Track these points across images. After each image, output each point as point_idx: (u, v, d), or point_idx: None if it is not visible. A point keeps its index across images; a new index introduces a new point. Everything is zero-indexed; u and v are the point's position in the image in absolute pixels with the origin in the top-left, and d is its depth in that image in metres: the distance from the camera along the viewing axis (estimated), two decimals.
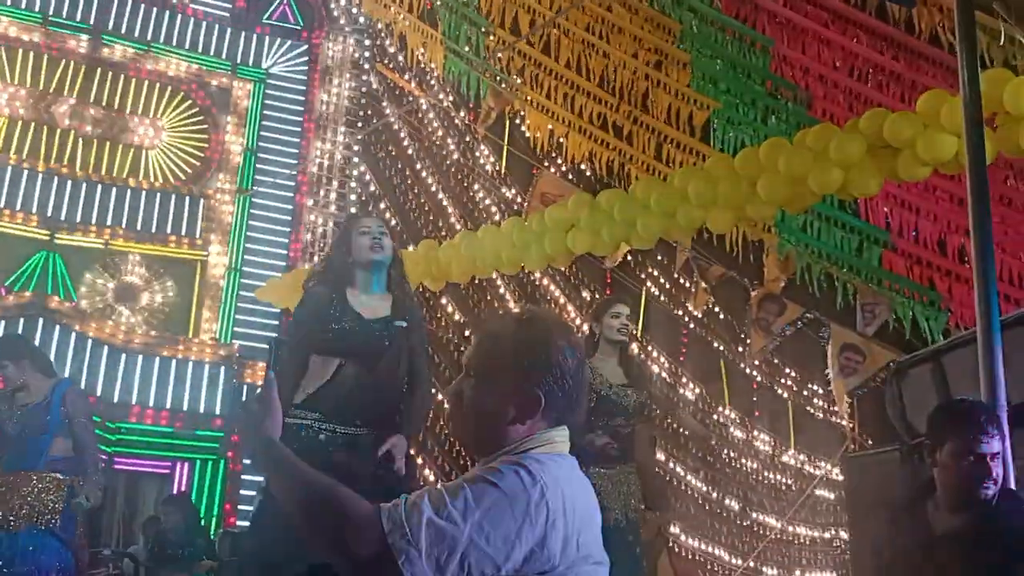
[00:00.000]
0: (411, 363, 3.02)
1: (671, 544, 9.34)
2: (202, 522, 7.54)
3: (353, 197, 10.81)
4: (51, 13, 9.99)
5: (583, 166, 10.34)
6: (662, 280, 11.67)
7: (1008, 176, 7.82)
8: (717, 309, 11.25)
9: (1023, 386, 3.27)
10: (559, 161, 11.02)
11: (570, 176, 11.10)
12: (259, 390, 1.75)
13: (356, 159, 10.94)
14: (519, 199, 11.12)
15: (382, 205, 11.54)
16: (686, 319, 11.77)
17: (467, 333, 11.39)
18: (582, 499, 1.65)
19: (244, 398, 2.15)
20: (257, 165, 10.44)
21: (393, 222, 11.43)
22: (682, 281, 10.80)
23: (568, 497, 1.59)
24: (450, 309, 11.10)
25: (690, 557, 10.25)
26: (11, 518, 3.71)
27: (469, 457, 1.94)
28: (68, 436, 3.89)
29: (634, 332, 3.88)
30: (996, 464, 2.35)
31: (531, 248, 6.22)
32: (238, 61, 10.73)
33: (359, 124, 11.08)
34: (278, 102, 10.81)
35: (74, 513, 3.85)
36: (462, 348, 11.35)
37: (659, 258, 11.37)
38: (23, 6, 9.92)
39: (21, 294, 8.53)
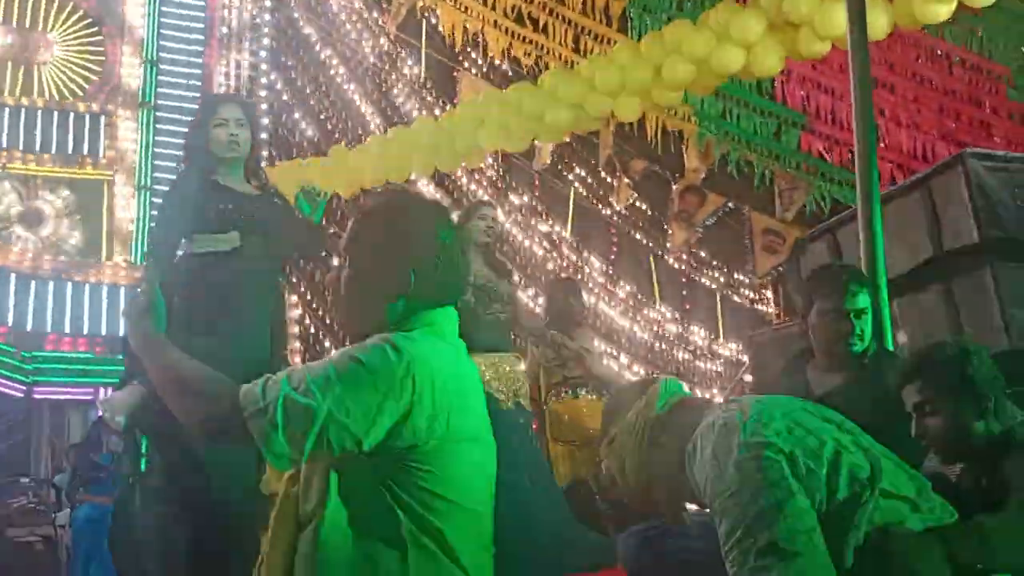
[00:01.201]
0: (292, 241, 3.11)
1: None
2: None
3: (264, 107, 10.40)
4: None
5: (504, 66, 10.09)
6: (589, 180, 11.62)
7: (919, 55, 7.84)
8: (644, 205, 11.29)
9: (913, 253, 3.33)
10: (480, 62, 10.74)
11: (491, 77, 10.84)
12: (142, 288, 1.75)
13: (265, 66, 10.48)
14: (441, 103, 10.85)
15: (296, 115, 11.16)
16: (614, 217, 11.81)
17: None
18: (457, 378, 1.63)
19: (131, 296, 2.20)
20: (159, 77, 9.92)
21: (309, 132, 11.09)
22: (607, 178, 10.76)
23: (439, 374, 1.57)
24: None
25: None
26: None
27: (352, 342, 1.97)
28: None
29: (497, 233, 3.91)
30: (862, 321, 2.39)
31: (442, 148, 6.08)
32: None
33: (266, 29, 10.57)
34: (178, 8, 10.21)
35: None
36: None
37: (585, 157, 11.29)
38: None
39: None
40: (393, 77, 11.17)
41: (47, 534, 5.83)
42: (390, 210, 1.73)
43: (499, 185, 11.69)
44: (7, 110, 9.21)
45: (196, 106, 9.98)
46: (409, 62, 11.09)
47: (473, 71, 10.40)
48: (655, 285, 11.91)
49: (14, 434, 8.50)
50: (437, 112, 10.42)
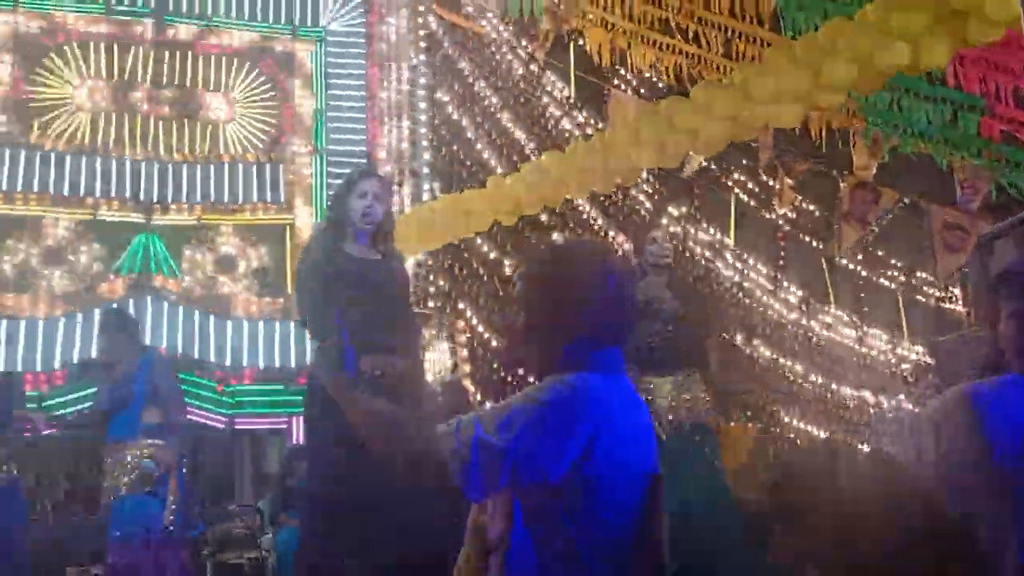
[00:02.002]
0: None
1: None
2: None
3: (425, 143, 10.85)
4: (113, 2, 10.30)
5: (655, 78, 10.04)
6: (750, 184, 11.31)
7: None
8: (810, 206, 10.87)
9: None
10: (628, 77, 10.74)
11: (642, 91, 10.83)
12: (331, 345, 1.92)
13: (423, 104, 10.93)
14: (592, 122, 10.93)
15: (455, 147, 11.55)
16: (780, 221, 11.42)
17: None
18: (629, 415, 1.76)
19: (320, 352, 2.49)
20: (328, 124, 10.58)
21: (468, 163, 11.45)
22: (769, 182, 10.44)
23: (611, 411, 1.71)
24: (534, 241, 11.10)
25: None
26: (118, 487, 4.02)
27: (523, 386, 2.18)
28: (160, 404, 4.16)
29: (681, 251, 3.96)
30: None
31: (596, 169, 6.12)
32: (297, 23, 10.84)
33: (422, 68, 11.04)
34: (340, 58, 10.87)
35: (164, 474, 4.13)
36: None
37: (743, 161, 11.02)
38: None
39: (128, 277, 9.03)
40: (544, 101, 11.36)
41: (255, 556, 6.30)
42: (561, 258, 1.87)
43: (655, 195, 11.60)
44: (198, 167, 10.10)
45: (363, 148, 10.63)
46: (559, 85, 11.25)
47: (622, 87, 10.42)
48: (829, 289, 11.41)
49: (220, 464, 9.26)
50: (589, 132, 10.50)
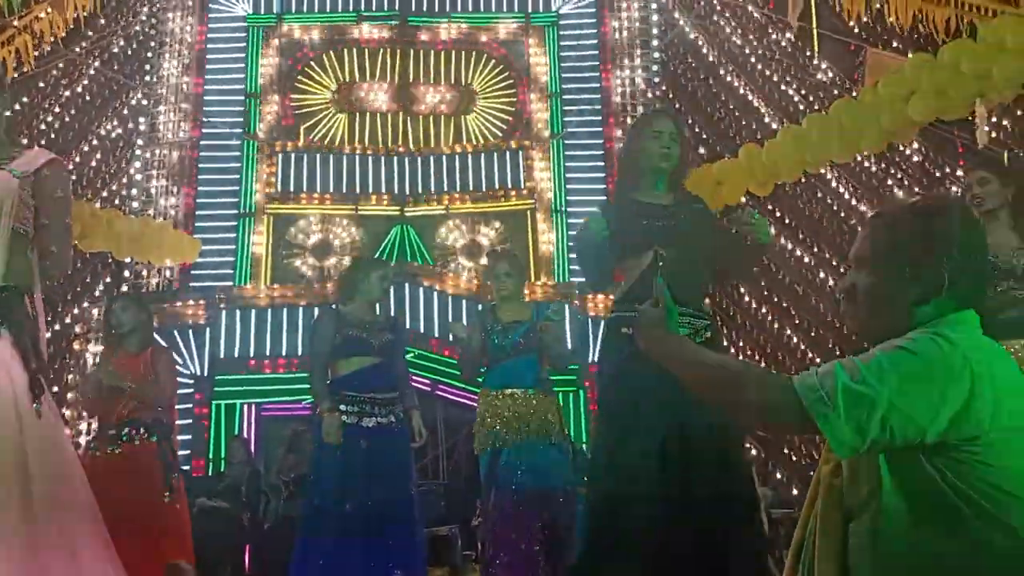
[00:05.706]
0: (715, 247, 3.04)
1: None
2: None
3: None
4: (363, 9, 11.01)
5: (915, 34, 9.25)
6: None
7: None
8: None
9: None
10: (885, 36, 10.02)
11: (895, 44, 10.05)
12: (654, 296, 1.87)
13: (656, 79, 10.77)
14: (838, 82, 10.28)
15: (689, 120, 11.29)
16: None
17: (799, 236, 10.83)
18: (1007, 367, 1.61)
19: (642, 305, 2.34)
20: (564, 107, 10.70)
21: (704, 135, 11.14)
22: None
23: (995, 363, 1.57)
24: (778, 214, 10.62)
25: None
26: None
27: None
28: None
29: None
30: None
31: (866, 129, 5.70)
32: (529, 10, 11.05)
33: (654, 43, 10.88)
34: (573, 40, 10.95)
35: None
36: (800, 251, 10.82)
37: None
38: (339, 9, 11.04)
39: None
40: (784, 66, 10.83)
41: None
42: (917, 216, 1.72)
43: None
44: (444, 159, 10.57)
45: (599, 128, 10.63)
46: (800, 45, 10.68)
47: (878, 46, 9.70)
48: None
49: None
50: (836, 92, 9.86)
